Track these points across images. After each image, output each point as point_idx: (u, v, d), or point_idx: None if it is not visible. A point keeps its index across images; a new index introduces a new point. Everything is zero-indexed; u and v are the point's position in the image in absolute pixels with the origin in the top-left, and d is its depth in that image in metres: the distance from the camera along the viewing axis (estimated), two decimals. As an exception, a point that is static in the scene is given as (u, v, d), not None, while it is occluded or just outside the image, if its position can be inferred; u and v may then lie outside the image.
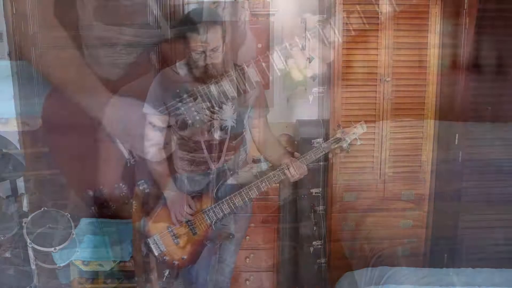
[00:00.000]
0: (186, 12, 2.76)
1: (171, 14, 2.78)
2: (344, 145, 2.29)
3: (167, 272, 2.40)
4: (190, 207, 2.28)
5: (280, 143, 2.58)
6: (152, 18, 2.78)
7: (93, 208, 2.86)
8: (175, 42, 2.66)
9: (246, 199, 2.27)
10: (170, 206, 2.31)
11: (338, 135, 2.30)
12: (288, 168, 2.25)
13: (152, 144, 2.31)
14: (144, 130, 2.30)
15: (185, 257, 2.33)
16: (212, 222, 2.29)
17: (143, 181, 2.43)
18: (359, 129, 2.31)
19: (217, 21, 2.19)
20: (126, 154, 1.98)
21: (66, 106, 2.62)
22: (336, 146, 2.29)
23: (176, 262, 2.34)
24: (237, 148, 2.35)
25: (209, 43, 2.12)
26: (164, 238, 2.32)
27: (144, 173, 2.36)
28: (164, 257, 2.33)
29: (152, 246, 2.32)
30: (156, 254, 2.33)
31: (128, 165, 2.01)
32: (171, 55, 2.69)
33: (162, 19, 2.77)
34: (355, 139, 2.30)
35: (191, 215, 2.29)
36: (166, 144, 2.35)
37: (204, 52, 2.13)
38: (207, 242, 2.33)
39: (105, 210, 2.91)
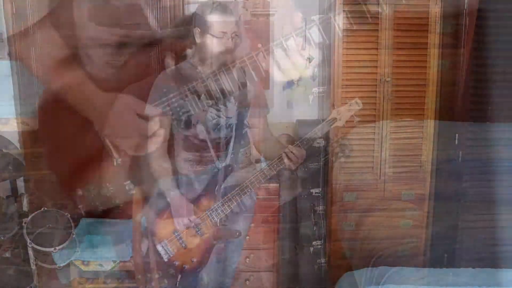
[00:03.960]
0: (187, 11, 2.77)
1: (171, 14, 2.78)
2: (340, 124, 2.21)
3: (179, 277, 2.37)
4: (190, 220, 2.28)
5: (280, 143, 2.57)
6: (152, 18, 2.77)
7: (81, 207, 2.85)
8: (177, 41, 2.66)
9: (249, 193, 2.26)
10: (173, 213, 2.30)
11: (334, 115, 2.22)
12: (287, 154, 2.22)
13: (155, 145, 2.30)
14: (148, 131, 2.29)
15: (195, 259, 2.32)
16: (218, 221, 2.29)
17: (129, 181, 2.42)
18: (354, 106, 2.23)
19: (231, 9, 2.22)
20: (114, 153, 1.96)
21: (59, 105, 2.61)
22: (332, 126, 2.22)
23: (187, 266, 2.33)
24: (242, 146, 2.35)
25: (232, 25, 2.16)
26: (171, 243, 2.31)
27: (131, 173, 2.34)
28: (175, 262, 2.32)
29: (162, 253, 2.32)
30: (166, 259, 2.32)
31: (115, 164, 1.99)
32: (172, 54, 2.70)
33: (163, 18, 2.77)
34: (352, 116, 2.22)
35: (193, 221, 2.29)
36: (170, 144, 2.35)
37: (226, 33, 2.14)
38: (215, 242, 2.33)
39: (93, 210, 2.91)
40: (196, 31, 2.19)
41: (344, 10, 2.62)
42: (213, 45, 2.16)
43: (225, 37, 2.14)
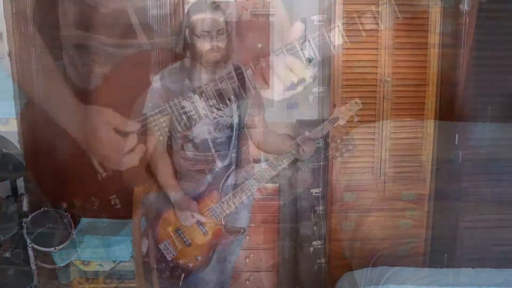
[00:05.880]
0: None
1: (171, 14, 2.78)
2: (342, 122, 2.32)
3: (183, 276, 2.37)
4: (193, 216, 2.28)
5: (283, 138, 2.56)
6: (152, 18, 2.78)
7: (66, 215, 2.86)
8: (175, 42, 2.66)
9: (256, 187, 2.28)
10: (177, 212, 2.30)
11: (336, 114, 2.33)
12: (301, 145, 2.26)
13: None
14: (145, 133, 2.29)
15: (199, 257, 2.32)
16: (222, 219, 2.29)
17: (115, 195, 2.43)
18: (354, 106, 2.33)
19: (219, 7, 2.22)
20: (97, 168, 1.97)
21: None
22: (335, 125, 2.33)
23: (191, 264, 2.33)
24: (242, 145, 2.35)
25: (215, 23, 2.14)
26: (175, 242, 2.31)
27: (116, 187, 2.34)
28: (178, 261, 2.32)
29: (165, 252, 2.31)
30: (169, 259, 2.32)
31: (100, 178, 1.99)
32: (171, 55, 2.69)
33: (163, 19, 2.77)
34: (352, 115, 2.33)
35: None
36: (169, 145, 2.35)
37: (210, 32, 2.14)
38: (220, 239, 2.33)
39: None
40: (187, 31, 2.20)
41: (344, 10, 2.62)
42: (200, 45, 2.17)
43: (209, 36, 2.15)
